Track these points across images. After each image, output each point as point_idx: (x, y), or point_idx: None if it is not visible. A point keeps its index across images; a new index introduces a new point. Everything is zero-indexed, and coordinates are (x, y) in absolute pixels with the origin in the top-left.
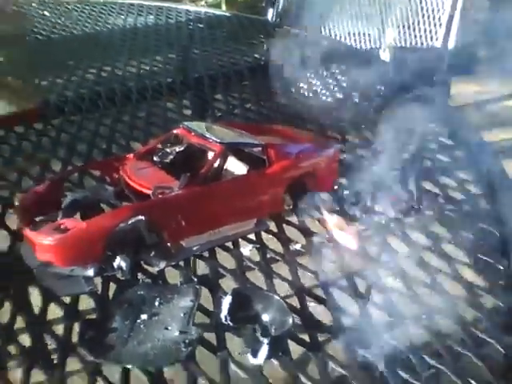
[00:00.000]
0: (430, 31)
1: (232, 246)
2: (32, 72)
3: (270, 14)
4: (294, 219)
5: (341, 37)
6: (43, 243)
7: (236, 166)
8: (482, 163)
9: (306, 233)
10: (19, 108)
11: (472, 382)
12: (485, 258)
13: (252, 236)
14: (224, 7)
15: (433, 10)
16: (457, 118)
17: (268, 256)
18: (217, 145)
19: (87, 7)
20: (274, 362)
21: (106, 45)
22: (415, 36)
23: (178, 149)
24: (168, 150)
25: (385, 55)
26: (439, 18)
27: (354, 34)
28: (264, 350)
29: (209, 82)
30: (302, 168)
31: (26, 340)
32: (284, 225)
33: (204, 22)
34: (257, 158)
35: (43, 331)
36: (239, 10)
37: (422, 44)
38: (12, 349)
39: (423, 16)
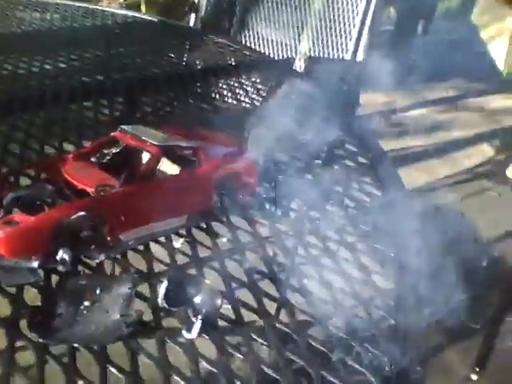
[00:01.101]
0: (341, 44)
1: (165, 240)
2: None
3: (192, 20)
4: (221, 216)
5: (260, 45)
6: None
7: (169, 167)
8: (381, 169)
9: (231, 228)
10: None
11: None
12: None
13: (183, 231)
14: (143, 9)
15: (344, 24)
16: (363, 127)
17: (198, 248)
18: (152, 147)
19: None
20: (205, 336)
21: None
22: (328, 47)
23: (114, 150)
24: (105, 151)
25: (299, 65)
26: (350, 32)
27: (272, 42)
28: (196, 327)
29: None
30: (227, 169)
31: None
32: (212, 221)
33: (122, 25)
34: (187, 159)
35: None
36: (159, 13)
37: (333, 56)
38: None
39: (335, 29)
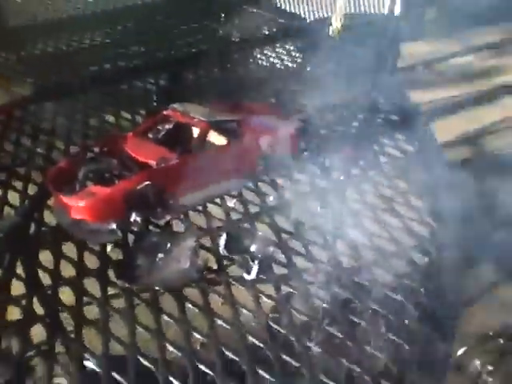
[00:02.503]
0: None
1: (220, 201)
2: None
3: None
4: (266, 177)
5: (296, 7)
6: (78, 205)
7: (216, 138)
8: (413, 125)
9: (276, 187)
10: None
11: None
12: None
13: (235, 192)
14: None
15: None
16: (399, 83)
17: (249, 206)
18: (201, 122)
19: None
20: (263, 277)
21: None
22: (364, 4)
23: (167, 126)
24: (159, 127)
25: (335, 23)
26: None
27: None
28: (255, 270)
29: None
30: (269, 137)
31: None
32: (259, 182)
33: None
34: (233, 130)
35: (85, 273)
36: None
37: (370, 11)
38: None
39: None
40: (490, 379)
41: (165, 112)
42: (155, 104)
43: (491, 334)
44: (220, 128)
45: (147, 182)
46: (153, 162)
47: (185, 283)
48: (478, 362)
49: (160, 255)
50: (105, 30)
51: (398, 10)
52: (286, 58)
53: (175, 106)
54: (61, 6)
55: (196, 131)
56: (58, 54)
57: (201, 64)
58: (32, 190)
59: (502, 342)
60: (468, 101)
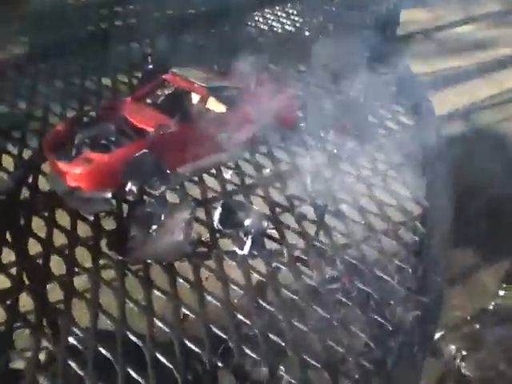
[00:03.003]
0: None
1: (216, 172)
2: None
3: None
4: (263, 149)
5: None
6: (75, 172)
7: (215, 105)
8: (412, 95)
9: (274, 160)
10: None
11: None
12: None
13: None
14: None
15: None
16: (398, 49)
17: (245, 178)
18: (200, 88)
19: None
20: (255, 252)
21: None
22: None
23: (167, 91)
24: (159, 92)
25: None
26: None
27: None
28: (247, 245)
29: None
30: (268, 107)
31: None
32: (256, 154)
33: None
34: (232, 98)
35: (77, 243)
36: None
37: None
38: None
39: None
40: (464, 364)
41: (164, 76)
42: (152, 67)
43: (468, 318)
44: (219, 95)
45: (145, 150)
46: (151, 129)
47: (177, 256)
48: (453, 347)
49: (154, 226)
50: None
51: None
52: (285, 21)
53: (174, 70)
54: None
55: (195, 97)
56: (55, 12)
57: (199, 27)
58: (27, 154)
59: (478, 327)
60: (466, 73)
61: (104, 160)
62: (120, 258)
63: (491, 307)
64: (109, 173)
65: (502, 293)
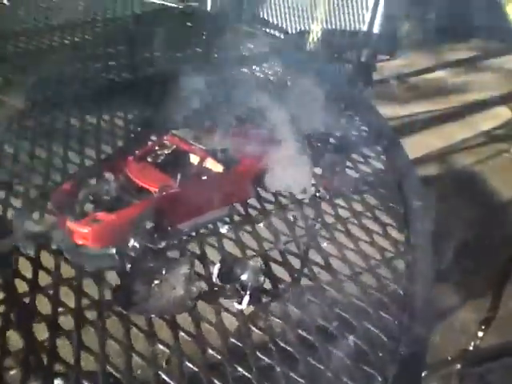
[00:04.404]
0: (358, 15)
1: (212, 227)
2: None
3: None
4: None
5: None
6: (83, 231)
7: (213, 165)
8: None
9: (266, 213)
10: None
11: None
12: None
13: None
14: None
15: None
16: (367, 98)
17: (240, 232)
18: (200, 150)
19: None
20: (252, 307)
21: None
22: (343, 20)
23: (166, 151)
24: (159, 152)
25: (314, 37)
26: (366, 2)
27: (288, 15)
28: (246, 300)
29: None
30: (263, 164)
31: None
32: (249, 209)
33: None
34: (229, 158)
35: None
36: None
37: (349, 27)
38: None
39: (351, 1)
40: None
41: (165, 137)
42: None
43: (450, 358)
44: (217, 155)
45: (148, 209)
46: (154, 189)
47: (179, 310)
48: None
49: (156, 281)
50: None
51: (377, 28)
52: (270, 74)
53: (175, 132)
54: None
55: (194, 158)
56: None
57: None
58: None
59: (459, 367)
60: (440, 117)
61: (112, 219)
62: (124, 312)
63: (471, 348)
64: (116, 231)
65: (480, 334)
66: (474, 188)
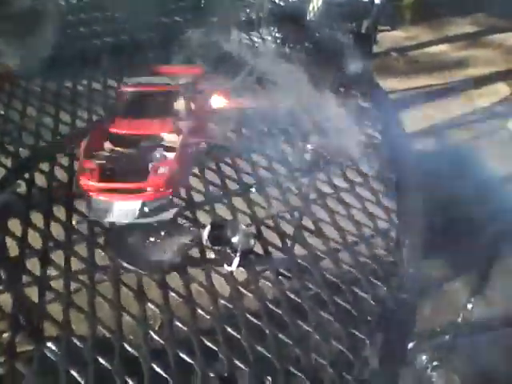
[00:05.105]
0: None
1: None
2: None
3: None
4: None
5: None
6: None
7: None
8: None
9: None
10: None
11: None
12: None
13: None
14: None
15: None
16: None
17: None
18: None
19: None
20: (241, 269)
21: None
22: None
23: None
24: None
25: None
26: None
27: None
28: (236, 262)
29: None
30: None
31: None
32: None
33: None
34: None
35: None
36: None
37: None
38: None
39: None
40: (435, 374)
41: (122, 88)
42: None
43: (438, 329)
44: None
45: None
46: (158, 133)
47: (167, 268)
48: (424, 358)
49: (151, 239)
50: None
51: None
52: (269, 40)
53: (131, 80)
54: None
55: (164, 99)
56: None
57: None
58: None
59: (447, 338)
60: (438, 91)
61: (176, 165)
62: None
63: (459, 320)
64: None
65: (469, 306)
66: (470, 163)
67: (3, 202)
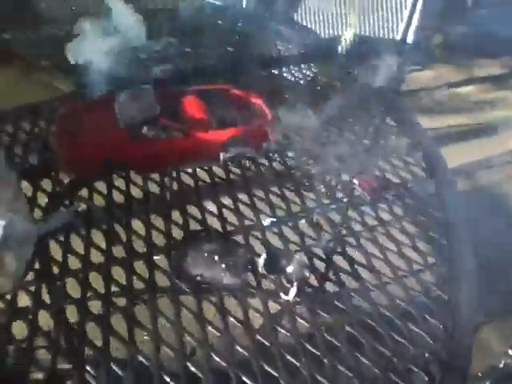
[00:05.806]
0: (392, 25)
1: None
2: None
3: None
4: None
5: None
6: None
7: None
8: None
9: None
10: None
11: None
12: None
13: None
14: None
15: (395, 4)
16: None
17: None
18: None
19: None
20: (297, 299)
21: None
22: (378, 28)
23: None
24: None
25: (345, 43)
26: (401, 13)
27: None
28: (293, 291)
29: None
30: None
31: None
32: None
33: None
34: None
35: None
36: None
37: (383, 36)
38: None
39: (386, 9)
40: None
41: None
42: None
43: (480, 375)
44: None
45: None
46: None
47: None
48: None
49: (215, 258)
50: None
51: (410, 38)
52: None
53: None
54: None
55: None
56: None
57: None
58: None
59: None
60: (468, 132)
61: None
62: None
63: (501, 365)
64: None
65: (510, 352)
66: (501, 206)
67: (65, 222)
